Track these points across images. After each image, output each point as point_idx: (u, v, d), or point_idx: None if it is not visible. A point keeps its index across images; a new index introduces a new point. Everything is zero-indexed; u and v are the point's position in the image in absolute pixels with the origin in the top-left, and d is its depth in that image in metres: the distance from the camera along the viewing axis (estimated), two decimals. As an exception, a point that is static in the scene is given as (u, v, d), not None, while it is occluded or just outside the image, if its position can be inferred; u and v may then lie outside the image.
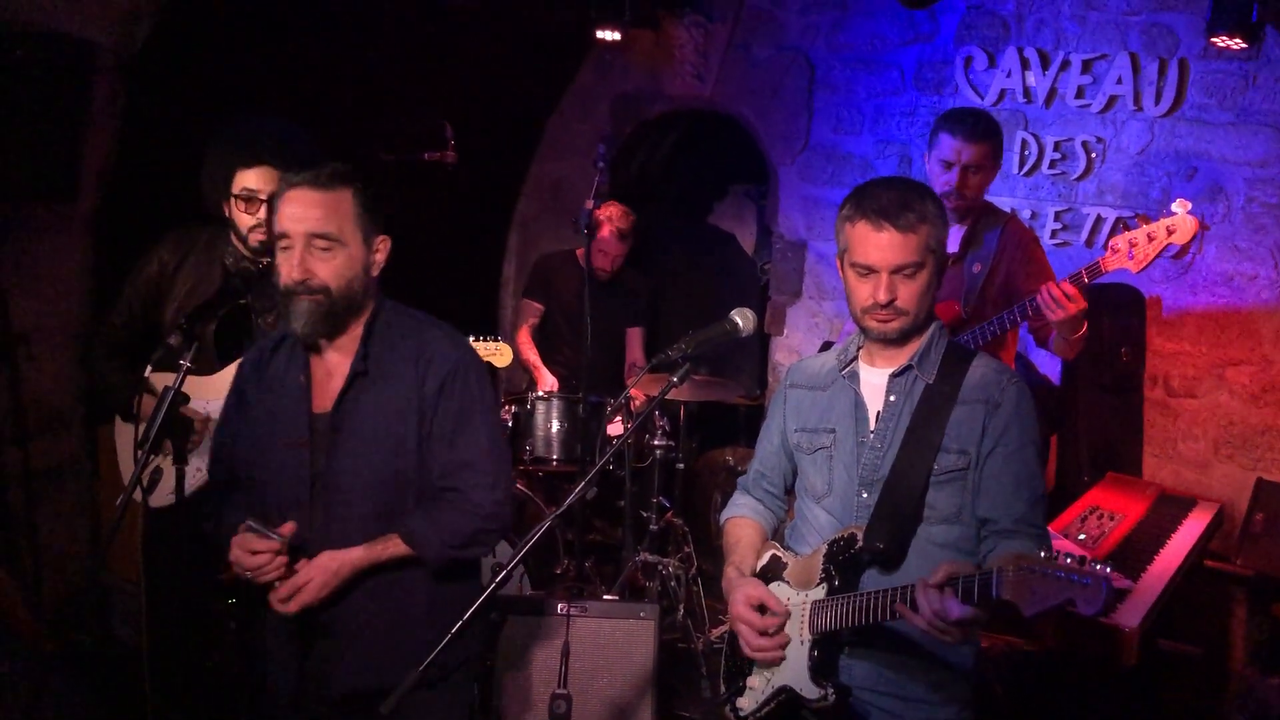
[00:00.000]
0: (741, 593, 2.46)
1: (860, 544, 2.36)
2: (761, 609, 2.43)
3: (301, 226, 2.41)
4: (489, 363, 4.49)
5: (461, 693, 2.70)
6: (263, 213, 3.28)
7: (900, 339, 2.41)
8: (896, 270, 2.34)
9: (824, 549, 2.42)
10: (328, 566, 2.44)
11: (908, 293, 2.35)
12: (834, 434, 2.50)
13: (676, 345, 2.49)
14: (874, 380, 2.48)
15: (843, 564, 2.37)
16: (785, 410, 2.64)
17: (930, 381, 2.40)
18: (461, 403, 2.55)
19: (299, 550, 2.48)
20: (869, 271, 2.37)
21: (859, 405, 2.47)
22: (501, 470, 2.59)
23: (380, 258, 2.54)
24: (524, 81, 6.22)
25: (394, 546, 2.49)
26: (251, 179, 3.27)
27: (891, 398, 2.44)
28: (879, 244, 2.34)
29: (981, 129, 3.60)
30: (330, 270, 2.43)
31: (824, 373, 2.58)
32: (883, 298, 2.35)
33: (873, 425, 2.45)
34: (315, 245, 2.42)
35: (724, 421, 6.47)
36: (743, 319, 2.50)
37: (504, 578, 2.17)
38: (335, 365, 2.55)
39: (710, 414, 6.36)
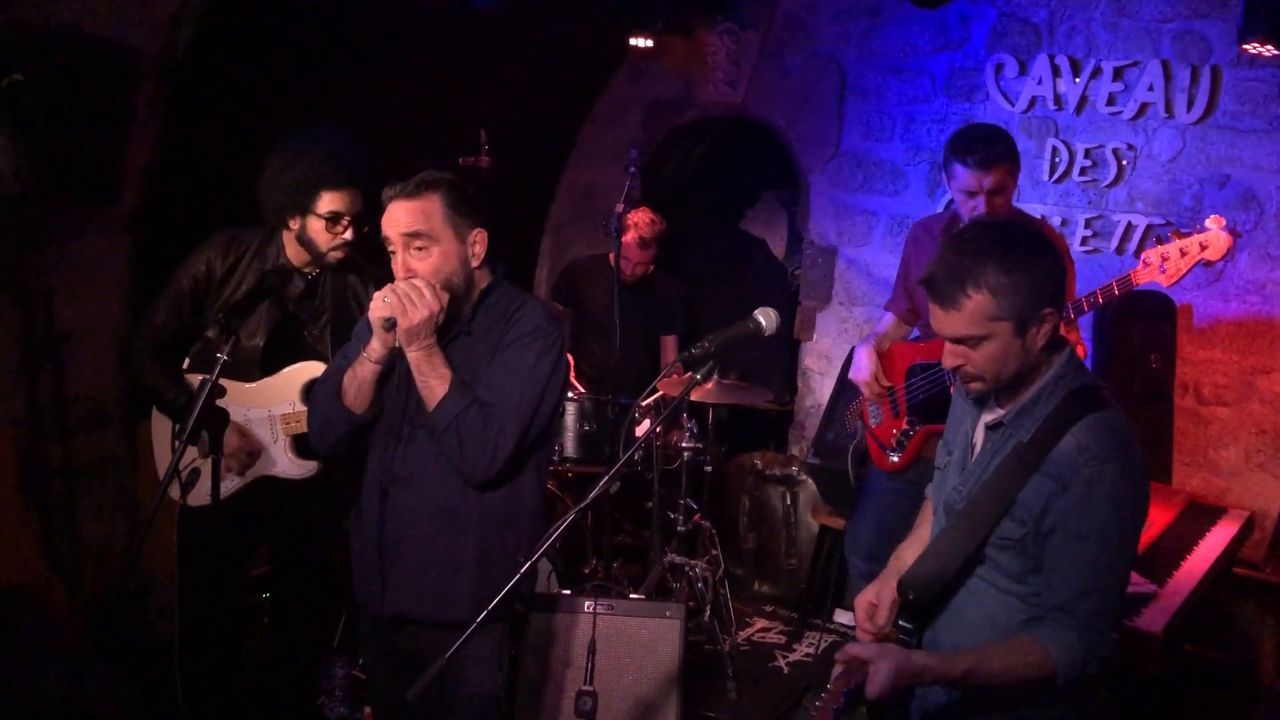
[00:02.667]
0: (873, 590, 2.47)
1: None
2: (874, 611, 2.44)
3: (396, 230, 2.67)
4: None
5: (496, 633, 2.81)
6: (349, 233, 3.33)
7: (992, 396, 2.32)
8: (956, 341, 2.22)
9: None
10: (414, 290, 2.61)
11: (976, 359, 2.21)
12: (951, 458, 2.47)
13: (700, 344, 2.52)
14: (986, 417, 2.38)
15: (905, 606, 2.37)
16: (950, 411, 2.59)
17: (1024, 440, 2.23)
18: (517, 357, 2.73)
19: (393, 479, 2.75)
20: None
21: (968, 437, 2.42)
22: (515, 424, 2.68)
23: (478, 249, 2.75)
24: (558, 88, 6.29)
25: (445, 375, 2.66)
26: (339, 201, 3.27)
27: (987, 445, 2.35)
28: (934, 314, 2.23)
29: (994, 153, 3.58)
30: (428, 267, 2.66)
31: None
32: (946, 364, 2.27)
33: (972, 461, 2.38)
34: (412, 246, 2.66)
35: (752, 426, 6.49)
36: (765, 318, 2.53)
37: (528, 568, 2.23)
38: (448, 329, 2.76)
39: (739, 418, 6.39)
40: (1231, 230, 3.32)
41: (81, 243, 4.07)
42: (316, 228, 3.29)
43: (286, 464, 3.42)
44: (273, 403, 3.40)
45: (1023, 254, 2.17)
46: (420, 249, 2.66)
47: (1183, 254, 3.36)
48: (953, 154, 3.64)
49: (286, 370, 3.40)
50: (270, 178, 3.30)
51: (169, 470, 2.67)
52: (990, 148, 3.59)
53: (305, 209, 3.28)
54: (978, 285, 2.14)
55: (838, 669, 2.16)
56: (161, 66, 3.99)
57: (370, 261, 3.49)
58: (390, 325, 2.62)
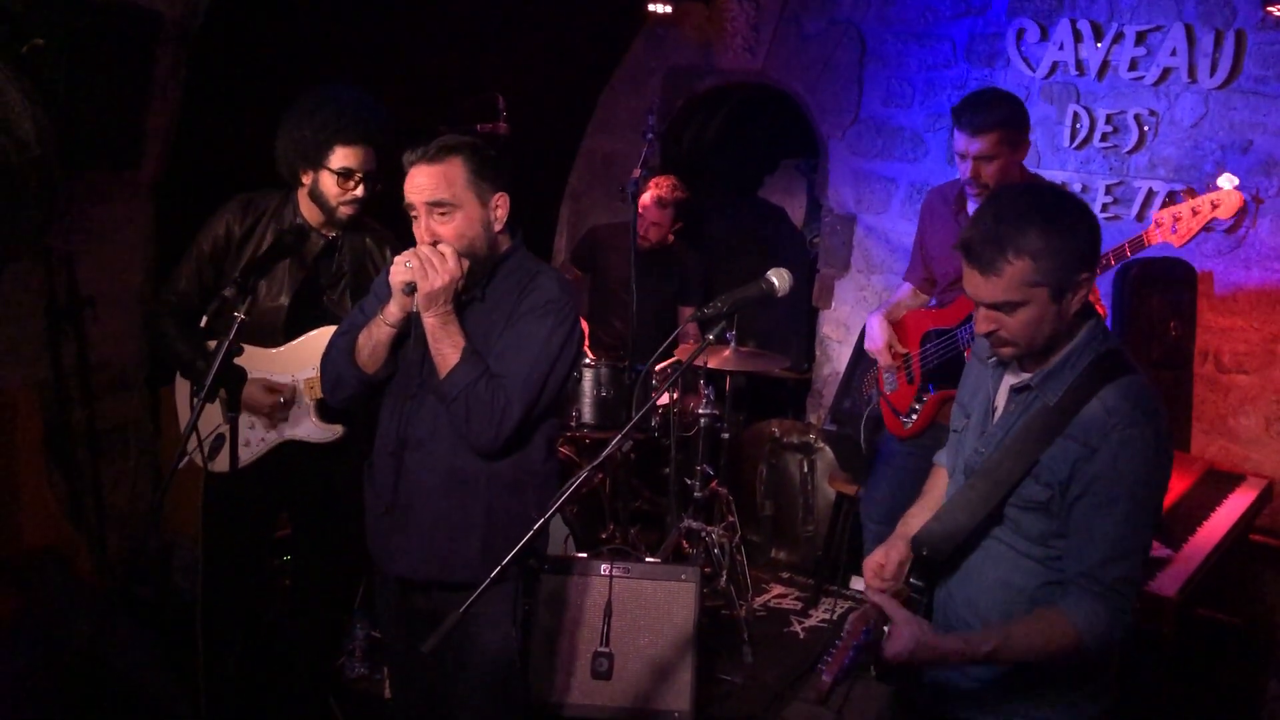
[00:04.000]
0: (881, 551, 2.47)
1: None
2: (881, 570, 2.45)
3: (420, 196, 2.68)
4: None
5: (508, 593, 2.85)
6: (360, 190, 3.33)
7: (1023, 361, 2.29)
8: (991, 307, 2.19)
9: None
10: (436, 256, 2.64)
11: (1011, 324, 2.18)
12: (969, 421, 2.46)
13: (713, 304, 2.53)
14: (1010, 380, 2.36)
15: (917, 563, 2.38)
16: (964, 376, 2.58)
17: (1051, 403, 2.22)
18: (529, 330, 2.74)
19: (406, 440, 2.79)
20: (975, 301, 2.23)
21: (989, 400, 2.41)
22: (522, 398, 2.70)
23: (500, 214, 2.77)
24: (576, 55, 6.27)
25: (459, 343, 2.69)
26: (351, 157, 3.27)
27: (1011, 407, 2.33)
28: (970, 279, 2.20)
29: (986, 120, 3.53)
30: (451, 231, 2.68)
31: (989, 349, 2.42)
32: (979, 329, 2.25)
33: (994, 424, 2.37)
34: (435, 212, 2.68)
35: (770, 394, 6.50)
36: (778, 279, 2.54)
37: (541, 525, 2.26)
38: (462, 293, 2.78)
39: (757, 386, 6.40)
40: (1254, 196, 3.30)
41: (103, 208, 4.10)
42: (328, 182, 3.30)
43: (311, 427, 3.45)
44: (296, 368, 3.43)
45: (1065, 219, 2.14)
46: (444, 214, 2.67)
47: (1194, 213, 3.34)
48: (953, 116, 3.65)
49: (309, 335, 3.42)
50: (285, 133, 3.32)
51: (187, 427, 2.70)
52: (982, 114, 3.54)
53: (317, 163, 3.29)
54: (1019, 251, 2.10)
55: (856, 614, 2.20)
56: (182, 31, 4.00)
57: (386, 225, 3.52)
58: (410, 289, 2.64)
